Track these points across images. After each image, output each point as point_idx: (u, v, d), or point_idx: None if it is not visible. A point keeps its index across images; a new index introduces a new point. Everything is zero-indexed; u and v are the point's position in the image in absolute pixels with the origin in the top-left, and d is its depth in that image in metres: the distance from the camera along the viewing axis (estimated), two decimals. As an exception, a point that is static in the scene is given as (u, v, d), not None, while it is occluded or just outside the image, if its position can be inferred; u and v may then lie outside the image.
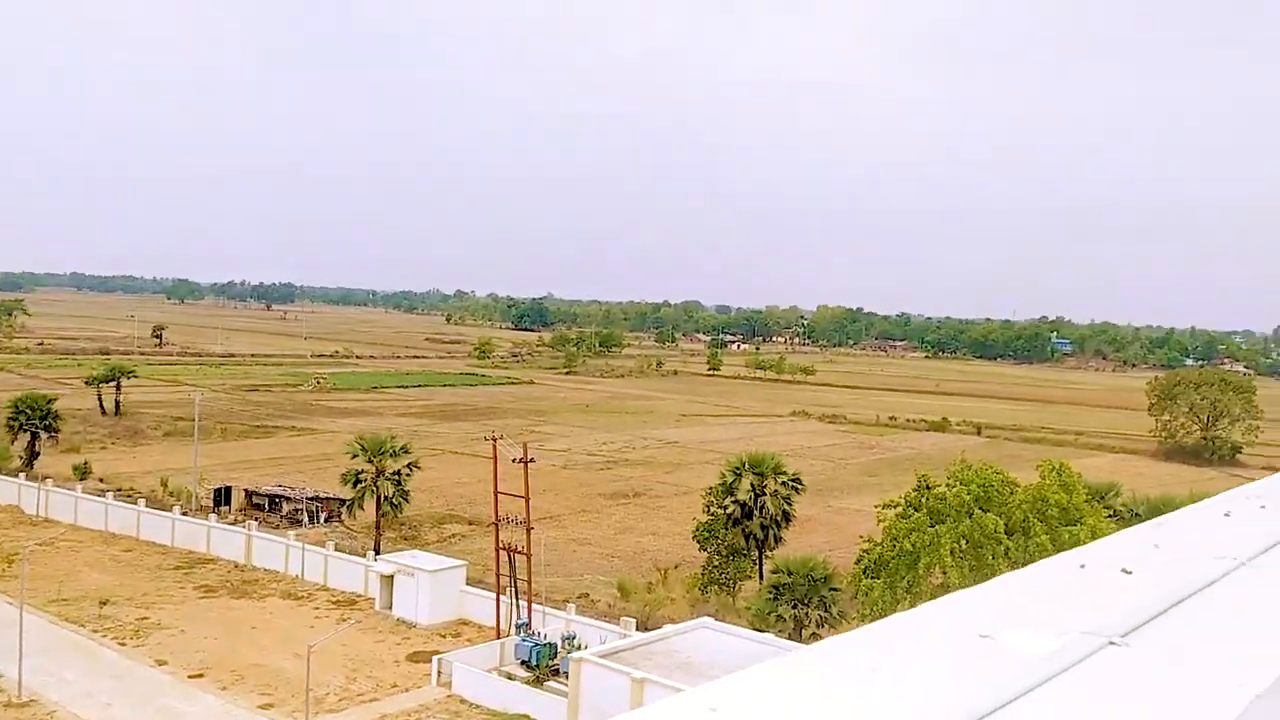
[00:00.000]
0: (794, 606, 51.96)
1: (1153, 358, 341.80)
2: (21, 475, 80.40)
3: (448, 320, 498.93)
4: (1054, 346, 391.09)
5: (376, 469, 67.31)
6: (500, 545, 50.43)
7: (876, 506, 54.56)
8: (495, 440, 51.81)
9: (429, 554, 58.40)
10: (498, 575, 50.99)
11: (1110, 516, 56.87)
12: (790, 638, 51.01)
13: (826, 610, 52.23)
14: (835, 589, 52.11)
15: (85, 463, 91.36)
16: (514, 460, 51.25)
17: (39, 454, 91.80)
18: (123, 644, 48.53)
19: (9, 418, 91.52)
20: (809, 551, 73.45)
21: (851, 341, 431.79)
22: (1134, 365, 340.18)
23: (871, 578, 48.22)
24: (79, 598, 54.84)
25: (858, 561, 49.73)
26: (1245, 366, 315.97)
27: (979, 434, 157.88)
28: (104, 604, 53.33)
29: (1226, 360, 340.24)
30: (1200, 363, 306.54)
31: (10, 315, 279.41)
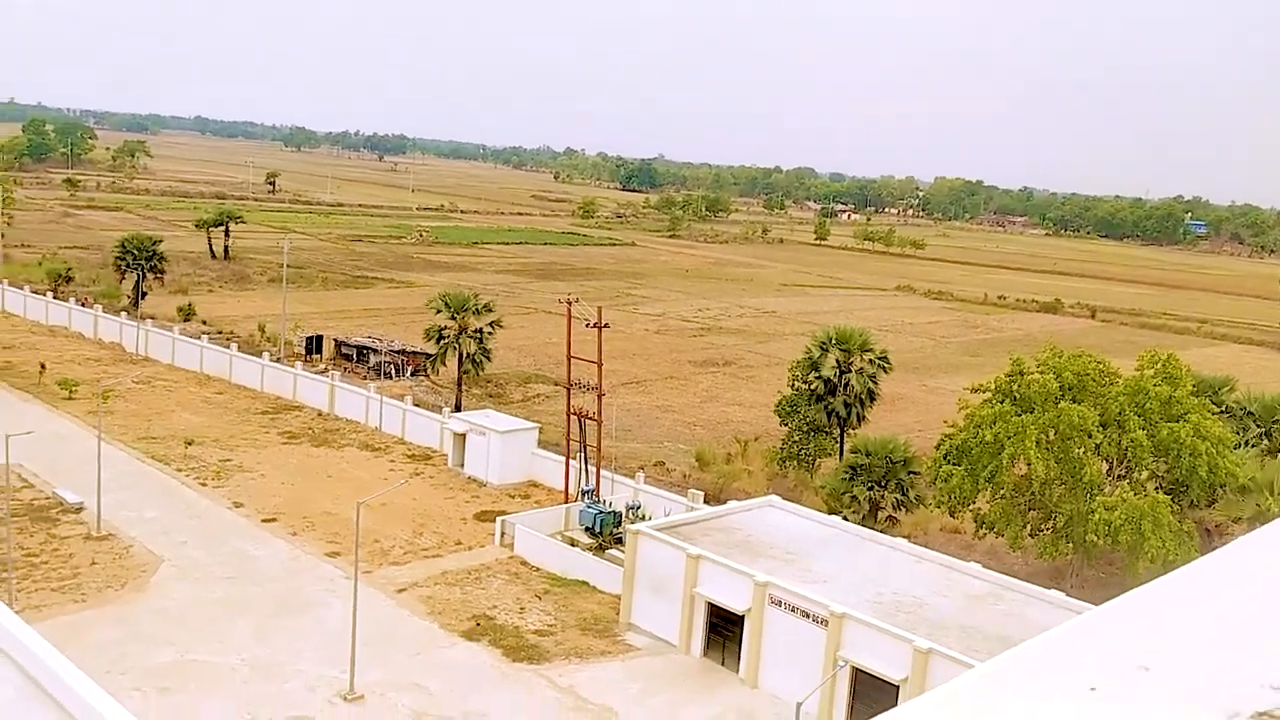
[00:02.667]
0: (870, 488, 50.38)
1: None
2: (124, 314, 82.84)
3: (555, 178, 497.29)
4: (1188, 228, 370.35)
5: (459, 326, 67.07)
6: (571, 410, 49.74)
7: (962, 389, 52.02)
8: (570, 303, 50.60)
9: (502, 414, 58.26)
10: (567, 440, 50.51)
11: (1220, 413, 53.29)
12: (864, 520, 49.65)
13: (904, 494, 50.55)
14: (914, 473, 50.27)
15: (190, 304, 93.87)
16: (588, 324, 50.02)
17: (145, 294, 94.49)
18: (204, 484, 49.84)
19: (116, 258, 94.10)
20: (898, 431, 71.52)
21: (968, 216, 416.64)
22: (1274, 251, 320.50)
23: (952, 464, 46.12)
24: (167, 436, 56.44)
25: (938, 446, 47.61)
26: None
27: (1093, 317, 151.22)
28: (189, 444, 54.77)
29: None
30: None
31: (133, 157, 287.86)
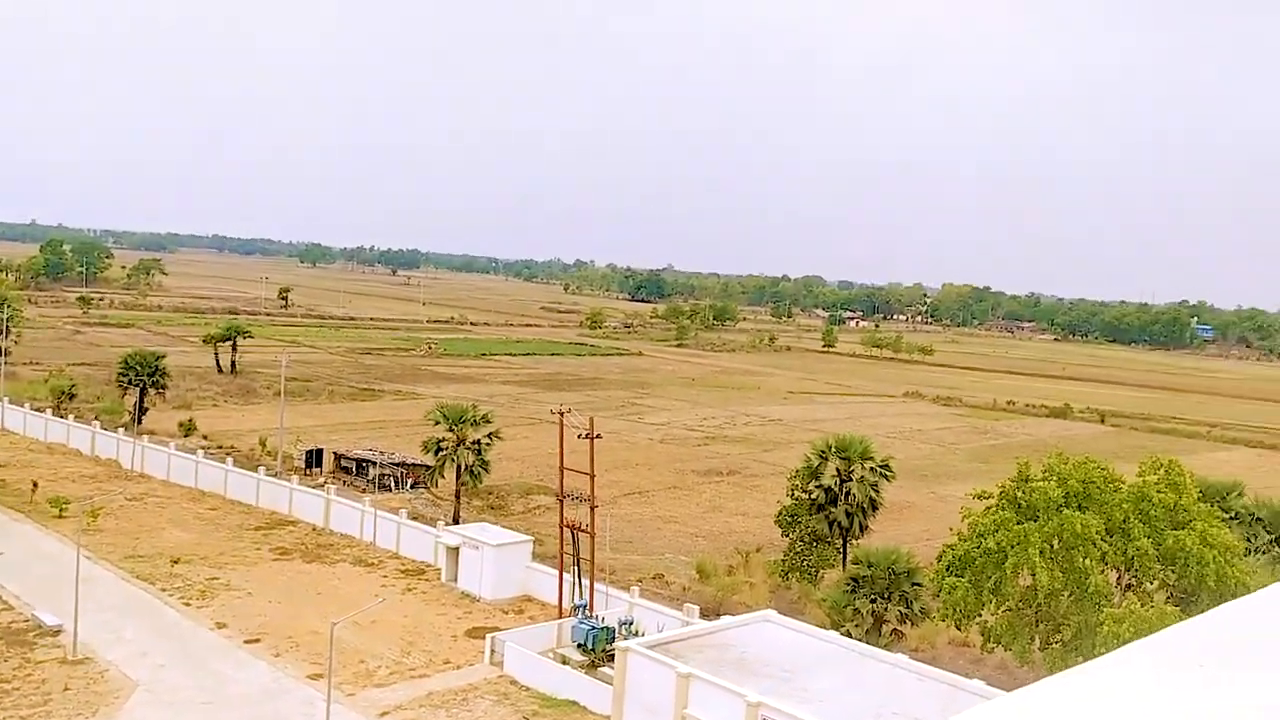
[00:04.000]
0: (873, 601, 48.96)
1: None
2: (121, 430, 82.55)
3: (565, 289, 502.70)
4: (1194, 332, 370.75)
5: (457, 438, 66.55)
6: (564, 522, 48.80)
7: (968, 495, 51.00)
8: (562, 414, 50.09)
9: (496, 527, 57.23)
10: (560, 553, 49.42)
11: (1229, 518, 52.01)
12: (868, 634, 48.12)
13: (908, 607, 49.11)
14: (918, 584, 48.90)
15: (191, 419, 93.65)
16: (580, 435, 49.41)
17: (148, 410, 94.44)
18: (188, 604, 48.69)
19: (118, 374, 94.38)
20: (906, 540, 69.97)
21: (977, 321, 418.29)
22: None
23: (955, 575, 44.79)
24: (155, 555, 55.45)
25: (939, 557, 46.33)
26: None
27: (1103, 422, 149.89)
28: (176, 562, 53.78)
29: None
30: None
31: (148, 275, 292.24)
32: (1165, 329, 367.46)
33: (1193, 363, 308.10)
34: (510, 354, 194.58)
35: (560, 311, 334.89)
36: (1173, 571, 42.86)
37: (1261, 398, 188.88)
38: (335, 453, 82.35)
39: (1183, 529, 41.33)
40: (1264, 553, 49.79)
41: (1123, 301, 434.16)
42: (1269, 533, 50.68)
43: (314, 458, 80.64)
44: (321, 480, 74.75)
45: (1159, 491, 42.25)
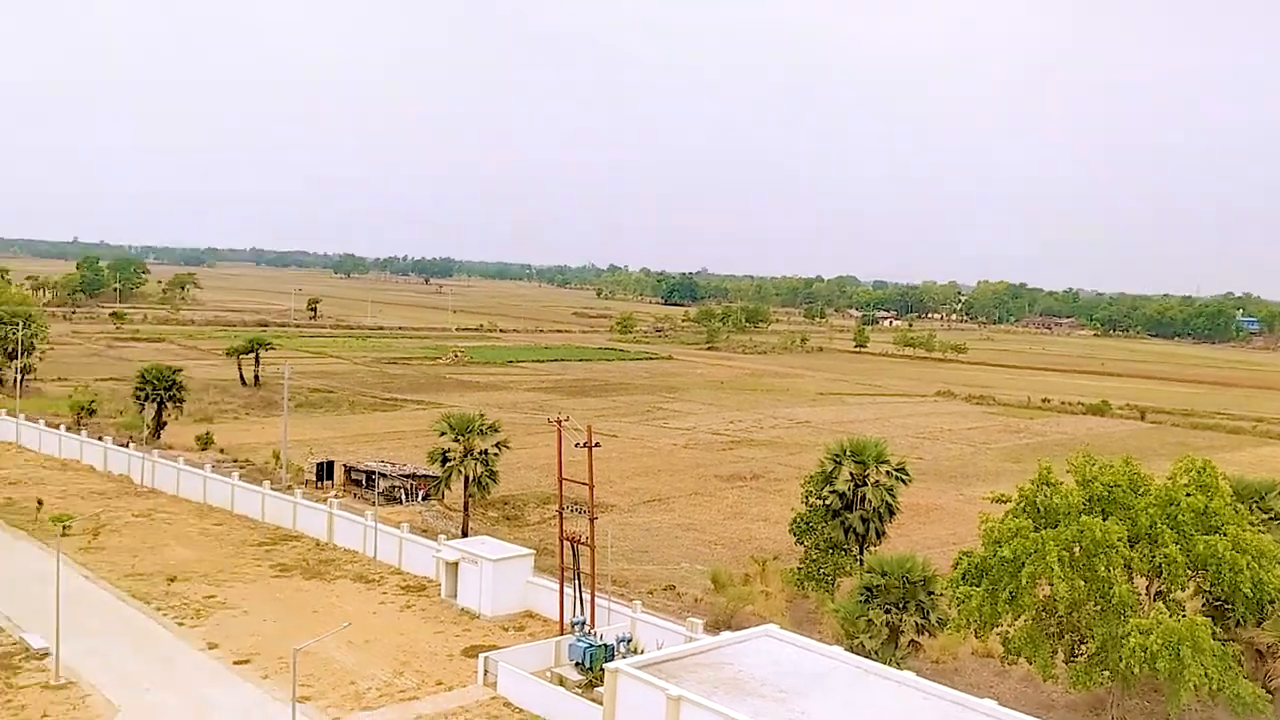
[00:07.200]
0: (887, 611, 46.72)
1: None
2: (130, 445, 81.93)
3: (598, 295, 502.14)
4: (1239, 325, 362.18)
5: (464, 448, 65.07)
6: (564, 535, 47.10)
7: (985, 499, 48.66)
8: (560, 423, 48.39)
9: (497, 541, 55.57)
10: (560, 568, 47.70)
11: (1269, 519, 49.23)
12: (884, 645, 45.96)
13: (925, 617, 46.79)
14: (933, 593, 46.58)
15: (208, 433, 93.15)
16: (577, 445, 47.70)
17: (165, 424, 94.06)
18: (181, 624, 47.48)
19: (136, 388, 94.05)
20: (932, 544, 67.53)
21: (1013, 319, 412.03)
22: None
23: (970, 584, 42.52)
24: (154, 573, 54.39)
25: (955, 565, 44.05)
26: None
27: (1143, 418, 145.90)
28: (172, 580, 52.66)
29: None
30: None
31: (182, 289, 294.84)
32: (1209, 322, 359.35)
33: (1239, 356, 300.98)
34: (538, 360, 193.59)
35: (591, 316, 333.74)
36: (1206, 579, 40.42)
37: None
38: (345, 465, 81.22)
39: (1214, 534, 38.83)
40: (1303, 556, 46.94)
41: (1165, 295, 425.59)
42: (1308, 535, 47.84)
43: (324, 470, 79.63)
44: (331, 493, 73.63)
45: (1188, 495, 39.77)
